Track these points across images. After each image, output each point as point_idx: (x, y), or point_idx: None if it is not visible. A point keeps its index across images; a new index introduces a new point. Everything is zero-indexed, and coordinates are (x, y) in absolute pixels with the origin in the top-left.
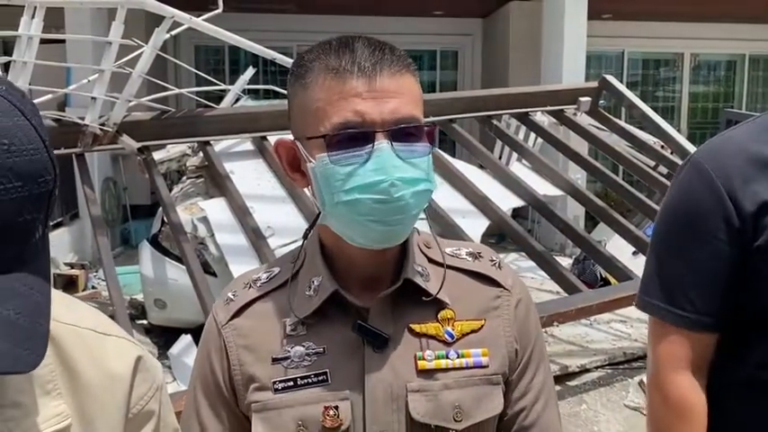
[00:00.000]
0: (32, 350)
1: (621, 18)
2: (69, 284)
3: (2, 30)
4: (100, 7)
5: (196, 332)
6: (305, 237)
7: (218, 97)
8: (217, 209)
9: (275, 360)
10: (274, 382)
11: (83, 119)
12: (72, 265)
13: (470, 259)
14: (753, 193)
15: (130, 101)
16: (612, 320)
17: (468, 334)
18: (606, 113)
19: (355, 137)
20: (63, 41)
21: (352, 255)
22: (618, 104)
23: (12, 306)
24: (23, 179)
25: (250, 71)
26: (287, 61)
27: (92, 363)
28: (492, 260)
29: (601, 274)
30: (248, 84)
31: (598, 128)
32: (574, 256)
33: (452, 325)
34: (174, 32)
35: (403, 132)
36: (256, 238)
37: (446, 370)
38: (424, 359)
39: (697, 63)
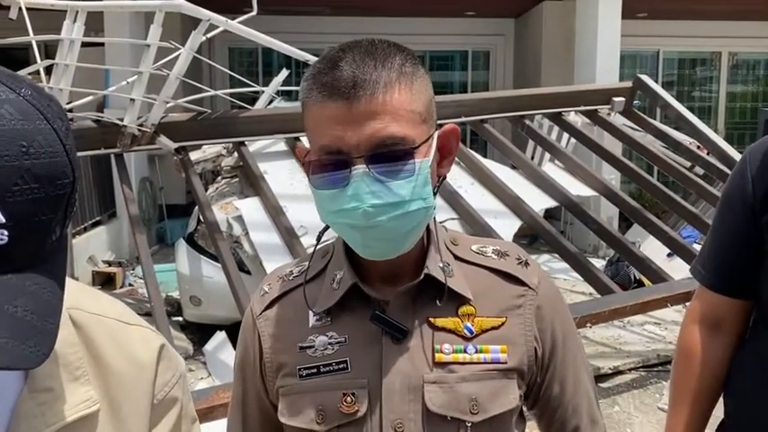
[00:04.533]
0: (38, 347)
1: (657, 17)
2: (107, 281)
3: (45, 34)
4: (138, 11)
5: (231, 329)
6: (318, 239)
7: (252, 99)
8: (251, 208)
9: (301, 348)
10: (299, 369)
11: (121, 120)
12: (110, 263)
13: (496, 257)
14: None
15: (168, 102)
16: (646, 323)
17: (487, 330)
18: (641, 114)
19: (334, 163)
20: (101, 44)
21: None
22: (652, 105)
23: (20, 303)
24: (40, 181)
25: (284, 73)
26: None
27: (118, 350)
28: (518, 258)
29: (635, 276)
30: (282, 85)
31: (632, 128)
32: (607, 258)
33: (472, 321)
34: (209, 35)
35: (384, 155)
36: (289, 236)
37: (463, 364)
38: (441, 352)
39: (735, 62)
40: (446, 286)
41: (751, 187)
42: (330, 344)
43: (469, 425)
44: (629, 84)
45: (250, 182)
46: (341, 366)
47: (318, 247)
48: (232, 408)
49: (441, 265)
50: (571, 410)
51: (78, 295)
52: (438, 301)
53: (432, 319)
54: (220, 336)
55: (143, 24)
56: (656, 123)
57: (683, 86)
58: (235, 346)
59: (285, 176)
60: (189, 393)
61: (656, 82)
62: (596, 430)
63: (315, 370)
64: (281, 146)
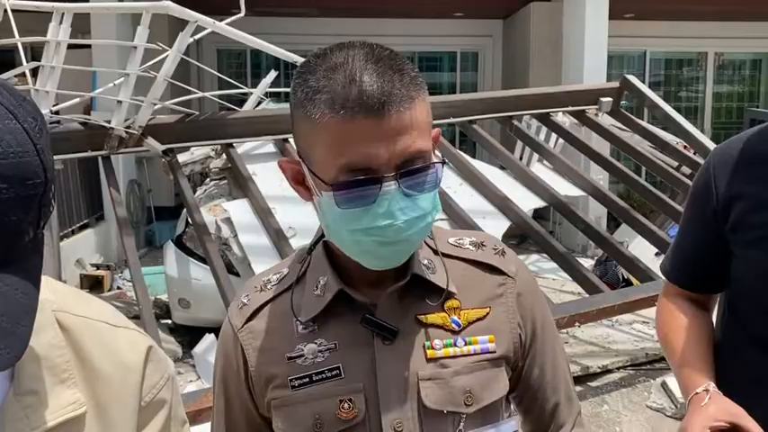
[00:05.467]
0: (8, 349)
1: (643, 17)
2: (95, 285)
3: (31, 35)
4: (125, 12)
5: (218, 331)
6: (309, 251)
7: (241, 100)
8: (240, 210)
9: (290, 358)
10: (291, 380)
11: (109, 122)
12: (98, 266)
13: (473, 248)
14: (732, 183)
15: (155, 104)
16: (635, 321)
17: (474, 322)
18: (628, 114)
19: (360, 180)
20: (89, 46)
21: (353, 261)
22: (640, 105)
23: None
24: (9, 181)
25: (272, 74)
26: None
27: (105, 353)
28: (495, 248)
29: (623, 276)
30: (270, 87)
31: (620, 128)
32: (596, 258)
33: (459, 314)
34: (197, 36)
35: (413, 170)
36: (278, 238)
37: (454, 357)
38: (432, 348)
39: (721, 62)
40: (431, 283)
41: (714, 192)
42: (320, 351)
43: (464, 416)
44: (616, 84)
45: (238, 183)
46: (334, 373)
47: (295, 253)
48: (216, 421)
49: (425, 262)
50: (550, 391)
51: (66, 298)
52: (426, 299)
53: (420, 317)
54: (209, 338)
55: (130, 26)
56: (644, 123)
57: (669, 87)
58: None
59: (274, 178)
60: (178, 395)
61: (643, 82)
62: (573, 407)
63: (307, 379)
64: (270, 147)
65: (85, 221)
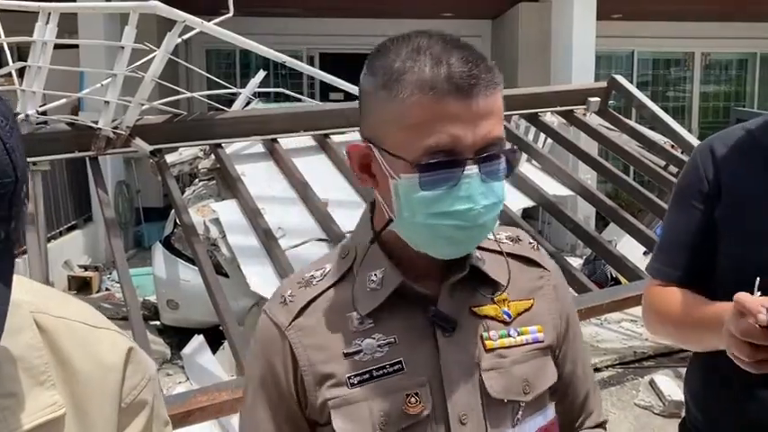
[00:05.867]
0: None
1: (631, 18)
2: (83, 286)
3: (17, 35)
4: (112, 12)
5: (208, 332)
6: (373, 240)
7: (230, 100)
8: (228, 210)
9: (347, 355)
10: (349, 377)
11: (96, 122)
12: (86, 268)
13: (511, 243)
14: (720, 175)
15: (143, 104)
16: (623, 320)
17: (521, 313)
18: (616, 114)
19: (443, 162)
20: (76, 46)
21: (417, 253)
22: (628, 104)
23: None
24: None
25: (260, 74)
26: (297, 64)
27: (84, 354)
28: (530, 243)
29: (611, 274)
30: (259, 87)
31: (608, 128)
32: (584, 257)
33: (508, 305)
34: (185, 37)
35: (491, 156)
36: (267, 239)
37: (510, 347)
38: (490, 339)
39: (708, 62)
40: (484, 275)
41: (705, 181)
42: (379, 346)
43: (523, 404)
44: (604, 84)
45: (227, 184)
46: (396, 368)
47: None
48: (253, 429)
49: (476, 254)
50: (581, 382)
51: (45, 299)
52: (479, 291)
53: (474, 309)
54: (198, 339)
55: (118, 26)
56: (632, 123)
57: (657, 86)
58: (213, 350)
59: (263, 178)
60: (161, 396)
61: (631, 82)
62: (597, 396)
63: (367, 375)
64: (259, 148)
65: (73, 223)
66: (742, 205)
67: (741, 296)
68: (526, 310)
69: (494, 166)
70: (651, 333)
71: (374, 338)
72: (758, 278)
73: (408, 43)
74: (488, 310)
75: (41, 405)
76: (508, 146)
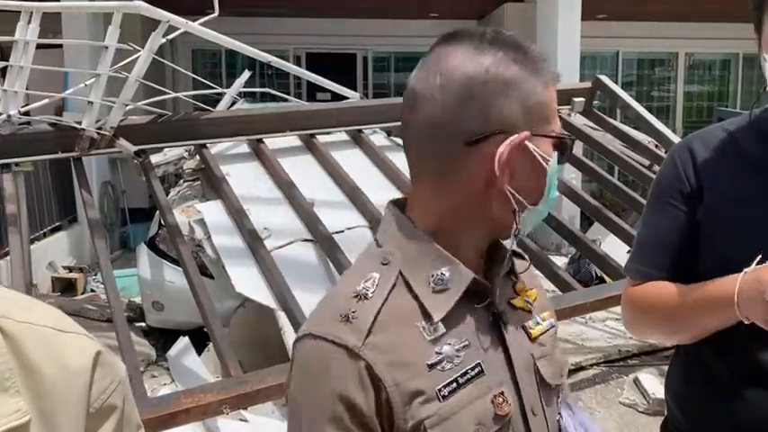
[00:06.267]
0: None
1: (616, 18)
2: (68, 288)
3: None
4: (96, 12)
5: (194, 334)
6: (515, 234)
7: (215, 101)
8: (213, 211)
9: (431, 366)
10: (439, 390)
11: (80, 123)
12: (71, 269)
13: None
14: (700, 169)
15: (127, 105)
16: (608, 318)
17: (534, 300)
18: (600, 114)
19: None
20: (61, 46)
21: (463, 247)
22: (612, 104)
23: None
24: None
25: (245, 74)
26: (283, 64)
27: (50, 359)
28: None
29: (596, 273)
30: (245, 87)
31: (593, 128)
32: (569, 256)
33: (527, 294)
34: (170, 37)
35: None
36: (252, 239)
37: (543, 334)
38: (531, 328)
39: (692, 62)
40: (512, 266)
41: (687, 181)
42: (457, 351)
43: (561, 387)
44: (588, 84)
45: (212, 184)
46: (477, 371)
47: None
48: None
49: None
50: (562, 361)
51: (8, 303)
52: (515, 281)
53: (511, 301)
54: (183, 341)
55: (102, 26)
56: (616, 123)
57: (642, 86)
58: (199, 352)
59: (248, 178)
60: (132, 400)
61: (616, 82)
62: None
63: (455, 384)
64: (244, 148)
65: (58, 224)
66: (724, 206)
67: None
68: (536, 299)
69: None
70: (634, 332)
71: (450, 344)
72: (759, 256)
73: (514, 37)
74: (518, 300)
75: (5, 412)
76: None
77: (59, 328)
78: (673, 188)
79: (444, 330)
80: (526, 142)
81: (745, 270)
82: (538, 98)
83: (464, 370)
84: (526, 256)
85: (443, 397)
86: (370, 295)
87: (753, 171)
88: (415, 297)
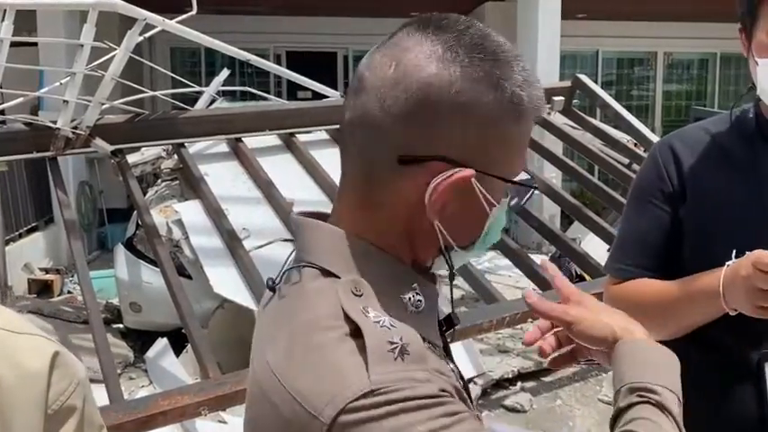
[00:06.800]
0: None
1: (595, 18)
2: (44, 289)
3: None
4: (72, 9)
5: (172, 335)
6: (427, 270)
7: (194, 100)
8: (191, 211)
9: (458, 390)
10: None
11: (55, 122)
12: (47, 270)
13: None
14: (682, 169)
15: (103, 104)
16: None
17: None
18: (580, 113)
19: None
20: (36, 44)
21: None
22: (592, 103)
23: None
24: None
25: (224, 73)
26: (262, 63)
27: (5, 361)
28: None
29: (576, 272)
30: (225, 85)
31: (572, 127)
32: (549, 254)
33: None
34: (147, 35)
35: None
36: (231, 239)
37: None
38: None
39: (670, 62)
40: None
41: (669, 181)
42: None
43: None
44: (568, 83)
45: (190, 184)
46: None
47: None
48: None
49: None
50: None
51: None
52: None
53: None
54: (162, 343)
55: (79, 24)
56: (595, 122)
57: (621, 86)
58: (177, 353)
59: (227, 178)
60: (93, 401)
61: (596, 81)
62: None
63: (466, 394)
64: (223, 147)
65: (34, 224)
66: (707, 206)
67: (763, 255)
68: None
69: None
70: None
71: (446, 360)
72: (734, 250)
73: (503, 45)
74: None
75: None
76: None
77: (13, 330)
78: (654, 188)
79: (434, 347)
80: (472, 179)
81: (728, 263)
82: (504, 131)
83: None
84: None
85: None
86: (388, 322)
87: (735, 171)
88: (410, 322)
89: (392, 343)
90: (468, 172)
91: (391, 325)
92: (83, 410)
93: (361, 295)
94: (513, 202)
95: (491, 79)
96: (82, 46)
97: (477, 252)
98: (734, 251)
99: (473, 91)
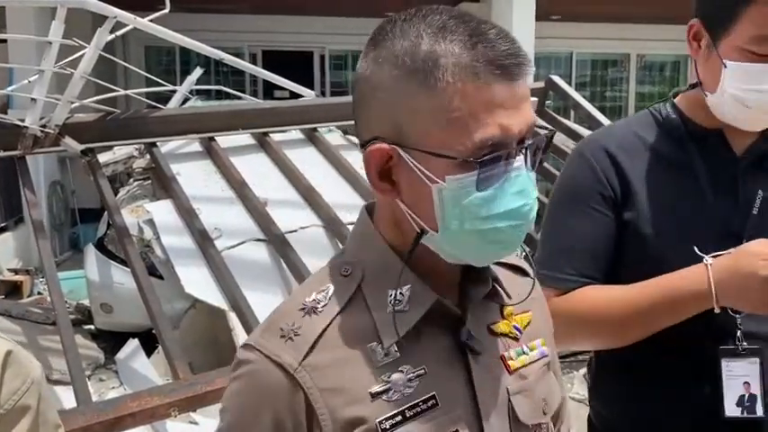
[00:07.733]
0: None
1: (569, 19)
2: (14, 290)
3: None
4: (42, 6)
5: (144, 337)
6: (408, 258)
7: (169, 99)
8: (163, 211)
9: (375, 395)
10: (380, 422)
11: (23, 121)
12: (16, 271)
13: None
14: (620, 172)
15: (73, 102)
16: None
17: (526, 326)
18: (554, 114)
19: (499, 157)
20: (5, 41)
21: (441, 264)
22: (565, 104)
23: None
24: None
25: (197, 72)
26: (236, 62)
27: None
28: None
29: None
30: (200, 84)
31: (545, 128)
32: (522, 254)
33: (515, 320)
34: (119, 33)
35: (538, 143)
36: (203, 239)
37: (527, 366)
38: (511, 359)
39: (643, 64)
40: (496, 288)
41: (608, 185)
42: (409, 380)
43: (545, 426)
44: (541, 84)
45: (162, 184)
46: (430, 404)
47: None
48: None
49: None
50: (560, 388)
51: None
52: (492, 306)
53: (492, 326)
54: (133, 344)
55: (49, 21)
56: (569, 123)
57: (595, 87)
58: (149, 354)
59: (199, 178)
60: (48, 400)
61: (570, 83)
62: (567, 406)
63: (400, 417)
64: (195, 146)
65: (3, 224)
66: (650, 208)
67: None
68: (529, 323)
69: (537, 154)
70: (571, 344)
71: (402, 371)
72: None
73: (427, 22)
74: (502, 326)
75: None
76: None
77: None
78: (594, 192)
79: (398, 355)
80: (406, 158)
81: (707, 262)
82: (425, 106)
83: (415, 402)
84: (531, 273)
85: (384, 430)
86: (320, 309)
87: (670, 171)
88: (373, 316)
89: (289, 329)
90: (383, 145)
91: (314, 312)
92: (37, 409)
93: (348, 275)
94: (482, 187)
95: (385, 57)
96: (50, 43)
97: (453, 239)
98: (696, 249)
99: (377, 74)
